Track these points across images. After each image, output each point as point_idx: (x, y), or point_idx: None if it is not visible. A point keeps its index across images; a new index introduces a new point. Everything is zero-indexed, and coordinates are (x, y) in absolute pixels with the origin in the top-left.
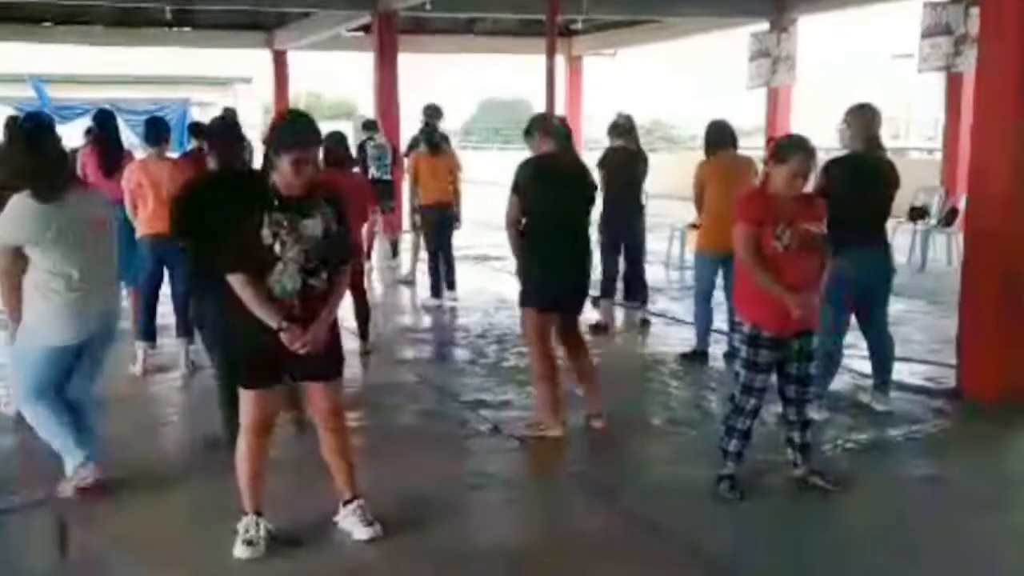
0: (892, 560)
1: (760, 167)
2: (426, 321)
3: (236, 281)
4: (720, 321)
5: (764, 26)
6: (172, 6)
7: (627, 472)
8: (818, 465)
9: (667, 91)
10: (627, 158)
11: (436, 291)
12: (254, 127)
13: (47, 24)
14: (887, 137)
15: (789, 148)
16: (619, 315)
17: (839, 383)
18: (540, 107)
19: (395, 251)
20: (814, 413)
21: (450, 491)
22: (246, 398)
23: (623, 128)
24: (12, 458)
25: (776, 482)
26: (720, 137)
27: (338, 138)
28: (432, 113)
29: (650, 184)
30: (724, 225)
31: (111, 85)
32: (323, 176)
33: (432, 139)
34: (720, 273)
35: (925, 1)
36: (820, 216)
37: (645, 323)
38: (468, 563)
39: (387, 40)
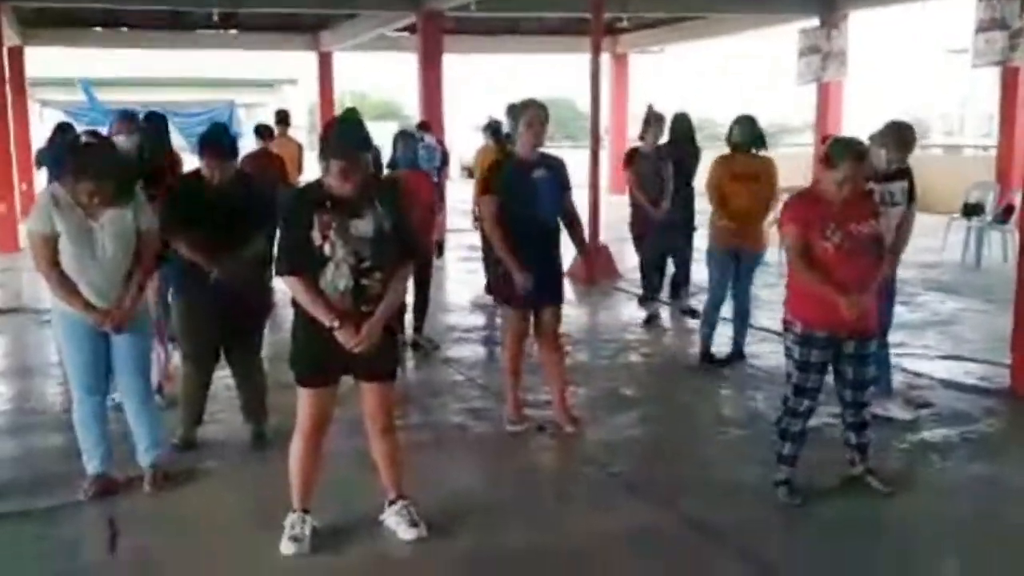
0: (954, 566)
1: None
2: (471, 320)
3: (289, 283)
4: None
5: (814, 22)
6: (219, 9)
7: (674, 471)
8: (874, 465)
9: (716, 88)
10: (656, 154)
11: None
12: (300, 128)
13: (97, 29)
14: (941, 134)
15: (840, 154)
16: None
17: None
18: (585, 106)
19: (440, 251)
20: (905, 412)
21: (494, 490)
22: (301, 396)
23: (651, 119)
24: (63, 456)
25: (830, 483)
26: (746, 136)
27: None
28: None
29: (695, 182)
30: (744, 222)
31: (159, 88)
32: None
33: (499, 133)
34: (733, 273)
35: None
36: (873, 215)
37: (689, 313)
38: (511, 562)
39: (431, 40)
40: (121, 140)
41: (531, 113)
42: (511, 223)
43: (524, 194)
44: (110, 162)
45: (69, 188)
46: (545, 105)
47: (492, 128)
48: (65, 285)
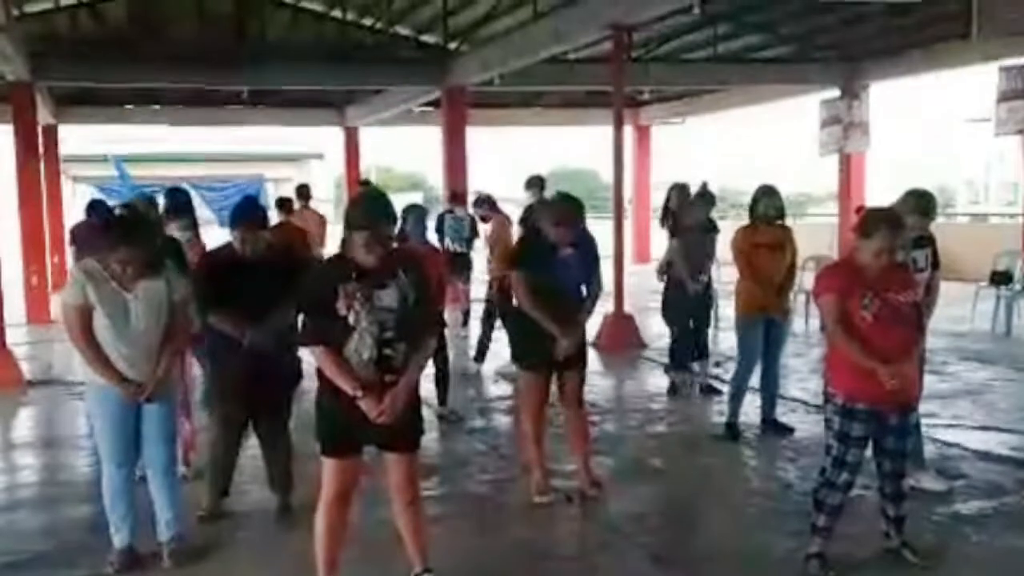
0: None
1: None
2: (495, 390)
3: (314, 352)
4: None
5: (835, 92)
6: (248, 87)
7: (701, 543)
8: (909, 537)
9: (737, 157)
10: (701, 227)
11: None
12: (327, 201)
13: (128, 106)
14: (966, 202)
15: (874, 223)
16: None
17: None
18: (608, 176)
19: (465, 320)
20: (938, 484)
21: (520, 561)
22: (325, 468)
23: (704, 195)
24: (90, 528)
25: (864, 555)
26: (770, 209)
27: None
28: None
29: (719, 251)
30: (772, 289)
31: (189, 163)
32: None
33: (495, 207)
34: (762, 338)
35: (1001, 65)
36: (911, 285)
37: (710, 390)
38: None
39: (455, 115)
40: None
41: (564, 214)
42: (535, 291)
43: (549, 270)
44: (142, 232)
45: (102, 260)
46: (580, 202)
47: (488, 203)
48: (100, 358)
